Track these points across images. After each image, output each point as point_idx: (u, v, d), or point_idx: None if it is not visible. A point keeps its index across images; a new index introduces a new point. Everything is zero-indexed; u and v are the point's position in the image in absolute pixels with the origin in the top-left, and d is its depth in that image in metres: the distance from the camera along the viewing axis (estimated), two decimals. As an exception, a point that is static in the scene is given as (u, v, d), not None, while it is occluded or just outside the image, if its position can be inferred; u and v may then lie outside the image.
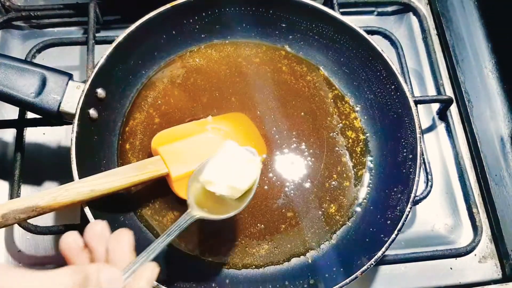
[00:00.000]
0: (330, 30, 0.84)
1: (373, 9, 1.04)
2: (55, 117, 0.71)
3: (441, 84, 0.93)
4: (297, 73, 0.88)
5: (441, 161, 0.91)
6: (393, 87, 0.79)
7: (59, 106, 0.70)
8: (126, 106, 0.83)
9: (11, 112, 0.88)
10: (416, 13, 1.01)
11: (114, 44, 0.75)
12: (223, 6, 0.85)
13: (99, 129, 0.76)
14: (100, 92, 0.75)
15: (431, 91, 0.96)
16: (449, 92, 0.96)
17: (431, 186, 0.81)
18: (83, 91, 0.71)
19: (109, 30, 0.96)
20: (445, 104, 0.91)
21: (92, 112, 0.74)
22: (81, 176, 0.67)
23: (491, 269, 0.84)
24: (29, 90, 0.69)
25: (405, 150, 0.76)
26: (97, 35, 0.89)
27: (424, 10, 1.03)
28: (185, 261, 0.73)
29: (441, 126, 0.94)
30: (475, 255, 0.84)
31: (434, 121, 0.94)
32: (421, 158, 0.73)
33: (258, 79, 0.86)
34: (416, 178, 0.72)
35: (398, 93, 0.78)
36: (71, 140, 0.69)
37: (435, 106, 0.94)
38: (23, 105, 0.70)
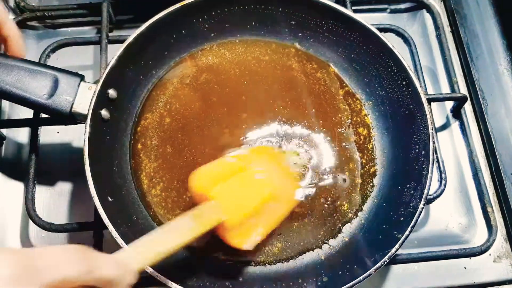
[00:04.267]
0: (340, 27, 0.84)
1: (386, 6, 1.03)
2: (67, 118, 0.72)
3: (455, 81, 0.92)
4: (307, 70, 0.87)
5: (455, 160, 0.90)
6: (404, 82, 0.78)
7: (71, 107, 0.70)
8: (138, 106, 0.83)
9: (26, 112, 0.89)
10: (429, 10, 1.01)
11: (125, 45, 0.76)
12: (232, 4, 0.85)
13: (111, 130, 0.77)
14: (112, 92, 0.75)
15: (445, 89, 0.95)
16: (463, 90, 0.95)
17: (444, 185, 0.80)
18: (94, 92, 0.71)
19: (122, 30, 0.96)
20: (459, 102, 0.90)
21: (104, 112, 0.74)
22: (94, 175, 0.67)
23: (506, 269, 0.83)
24: (41, 91, 0.70)
25: (417, 146, 0.76)
26: (110, 34, 0.90)
27: (438, 7, 1.02)
28: (198, 259, 0.74)
29: (455, 124, 0.93)
30: (490, 254, 0.83)
31: (448, 119, 0.93)
32: (434, 154, 0.72)
33: (268, 77, 0.86)
34: (429, 175, 0.71)
35: (410, 89, 0.77)
36: (84, 141, 0.69)
37: (449, 104, 0.93)
38: (36, 107, 0.71)
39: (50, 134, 0.86)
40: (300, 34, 0.88)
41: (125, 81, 0.79)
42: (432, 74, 0.97)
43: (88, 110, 0.70)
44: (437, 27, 0.99)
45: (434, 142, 0.73)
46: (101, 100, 0.73)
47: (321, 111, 0.84)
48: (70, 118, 0.72)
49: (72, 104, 0.71)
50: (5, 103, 0.90)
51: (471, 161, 0.89)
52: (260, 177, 0.70)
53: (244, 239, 0.66)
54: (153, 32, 0.79)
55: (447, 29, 1.01)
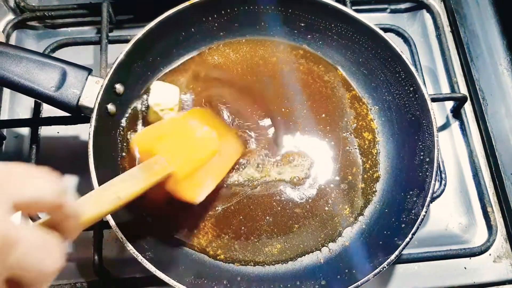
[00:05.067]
0: (349, 30, 0.84)
1: (386, 6, 1.03)
2: (73, 111, 0.72)
3: (455, 81, 0.92)
4: (314, 73, 0.87)
5: (455, 160, 0.90)
6: (411, 89, 0.78)
7: (78, 100, 0.71)
8: (144, 102, 0.82)
9: (26, 112, 0.89)
10: (429, 10, 1.01)
11: (133, 41, 0.76)
12: (242, 4, 0.84)
13: (117, 124, 0.77)
14: (119, 87, 0.75)
15: (445, 89, 0.95)
16: (463, 90, 0.95)
17: (444, 185, 0.80)
18: (102, 86, 0.72)
19: (122, 30, 0.96)
20: (459, 102, 0.90)
21: (110, 107, 0.74)
22: (97, 169, 0.68)
23: (506, 269, 0.83)
24: (49, 84, 0.70)
25: (422, 153, 0.75)
26: (110, 34, 0.89)
27: (438, 7, 1.02)
28: (197, 257, 0.74)
29: (455, 124, 0.93)
30: (490, 254, 0.83)
31: (448, 119, 0.93)
32: (438, 162, 0.72)
33: (275, 78, 0.86)
34: (433, 182, 0.71)
35: (417, 95, 0.77)
36: (89, 134, 0.69)
37: (449, 104, 0.93)
38: (43, 99, 0.71)
39: (50, 134, 0.86)
40: (309, 36, 0.88)
41: (132, 77, 0.79)
42: (432, 74, 0.97)
43: (95, 104, 0.71)
44: (437, 27, 0.99)
45: (439, 150, 0.73)
46: (108, 94, 0.73)
47: (327, 114, 0.84)
48: (77, 111, 0.72)
49: (79, 97, 0.71)
50: (5, 103, 0.90)
51: (471, 161, 0.89)
52: (202, 132, 0.71)
53: (194, 192, 0.67)
54: (162, 29, 0.79)
55: (447, 29, 1.01)
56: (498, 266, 0.83)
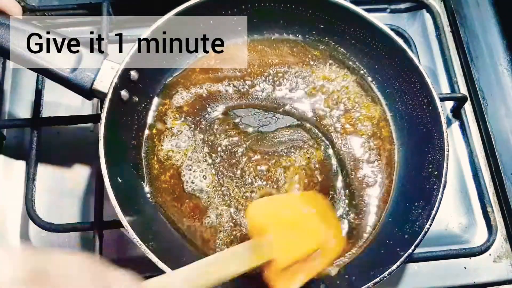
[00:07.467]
0: (368, 36, 0.83)
1: (386, 6, 1.03)
2: (87, 95, 0.72)
3: (455, 81, 0.92)
4: (329, 75, 0.87)
5: (455, 160, 0.90)
6: (425, 100, 0.77)
7: (92, 83, 0.71)
8: (157, 91, 0.83)
9: (26, 112, 0.89)
10: (429, 10, 1.01)
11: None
12: (263, 1, 0.84)
13: (129, 111, 0.77)
14: (133, 74, 0.75)
15: (445, 89, 0.95)
16: (463, 90, 0.95)
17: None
18: (117, 71, 0.71)
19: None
20: (459, 102, 0.90)
21: (124, 93, 0.74)
22: (106, 153, 0.68)
23: (506, 269, 0.83)
24: (64, 65, 0.70)
25: (431, 166, 0.75)
26: (110, 34, 0.90)
27: (438, 7, 1.02)
28: (198, 250, 0.74)
29: (455, 124, 0.93)
30: (490, 254, 0.83)
31: (448, 119, 0.93)
32: (446, 177, 0.71)
33: (289, 78, 0.86)
34: (439, 196, 0.70)
35: (430, 108, 0.77)
36: (101, 119, 0.69)
37: (449, 104, 0.93)
38: (58, 80, 0.71)
39: (50, 135, 0.86)
40: (327, 39, 0.88)
41: (147, 65, 0.78)
42: (432, 74, 0.97)
43: (109, 89, 0.70)
44: (437, 27, 0.99)
45: (448, 165, 0.72)
46: (123, 80, 0.73)
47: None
48: (90, 94, 0.72)
49: (93, 81, 0.71)
50: (5, 103, 0.90)
51: (471, 161, 0.89)
52: (315, 224, 0.67)
53: (286, 285, 0.62)
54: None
55: (447, 29, 1.01)
56: (498, 266, 0.83)
